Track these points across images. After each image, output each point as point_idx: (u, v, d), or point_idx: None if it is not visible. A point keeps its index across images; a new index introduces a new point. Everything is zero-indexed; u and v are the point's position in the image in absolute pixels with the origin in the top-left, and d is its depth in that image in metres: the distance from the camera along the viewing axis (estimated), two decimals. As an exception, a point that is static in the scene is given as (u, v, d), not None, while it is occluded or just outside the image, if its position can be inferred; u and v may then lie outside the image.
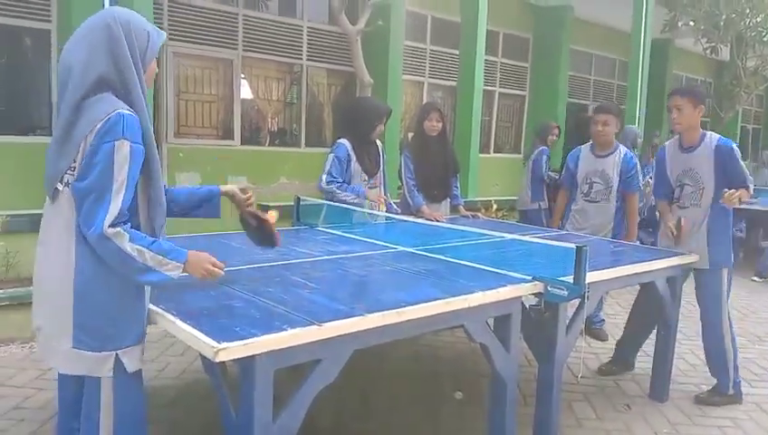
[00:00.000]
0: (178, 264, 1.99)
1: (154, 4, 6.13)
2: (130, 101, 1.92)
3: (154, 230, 2.03)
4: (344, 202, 4.18)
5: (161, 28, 6.90)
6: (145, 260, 1.90)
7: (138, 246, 1.89)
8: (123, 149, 1.84)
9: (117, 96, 1.91)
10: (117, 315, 1.95)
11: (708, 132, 3.82)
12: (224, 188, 2.53)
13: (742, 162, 3.76)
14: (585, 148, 4.80)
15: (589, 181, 4.69)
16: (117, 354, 1.96)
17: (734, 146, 3.76)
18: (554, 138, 7.22)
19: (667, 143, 4.05)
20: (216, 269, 2.12)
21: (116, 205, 1.84)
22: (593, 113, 4.78)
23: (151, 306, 2.09)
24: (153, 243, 1.94)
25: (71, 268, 1.90)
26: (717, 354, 3.84)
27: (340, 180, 4.24)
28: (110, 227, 1.83)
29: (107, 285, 1.92)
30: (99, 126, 1.83)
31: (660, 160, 4.02)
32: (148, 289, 2.07)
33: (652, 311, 3.89)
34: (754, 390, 4.05)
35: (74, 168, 1.89)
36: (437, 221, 4.48)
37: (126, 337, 1.98)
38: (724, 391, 3.85)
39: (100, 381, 1.97)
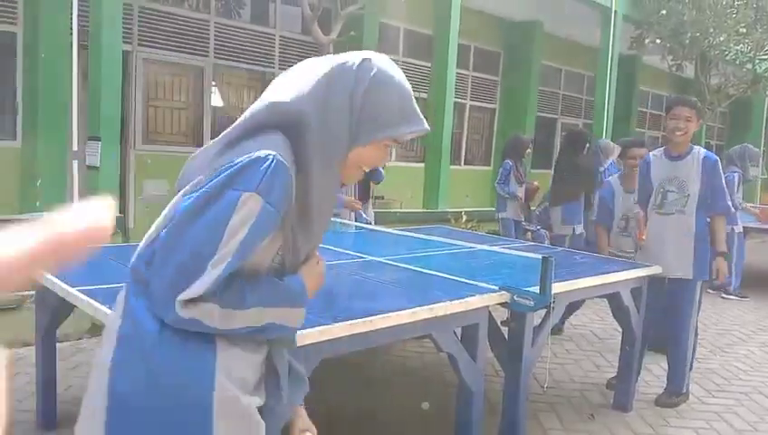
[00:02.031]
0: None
1: (124, 9, 6.07)
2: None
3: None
4: None
5: (131, 34, 6.86)
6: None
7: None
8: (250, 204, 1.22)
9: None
10: None
11: (696, 146, 3.96)
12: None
13: (723, 181, 3.90)
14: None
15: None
16: None
17: (719, 161, 3.92)
18: (530, 151, 7.30)
19: (654, 151, 4.15)
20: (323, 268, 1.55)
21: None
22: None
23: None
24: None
25: None
26: (679, 360, 3.93)
27: None
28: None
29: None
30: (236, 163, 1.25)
31: (645, 167, 4.11)
32: None
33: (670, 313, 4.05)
34: (716, 400, 4.13)
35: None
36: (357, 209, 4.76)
37: None
38: (679, 391, 3.96)
39: None
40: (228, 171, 1.22)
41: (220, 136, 1.35)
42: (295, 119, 1.30)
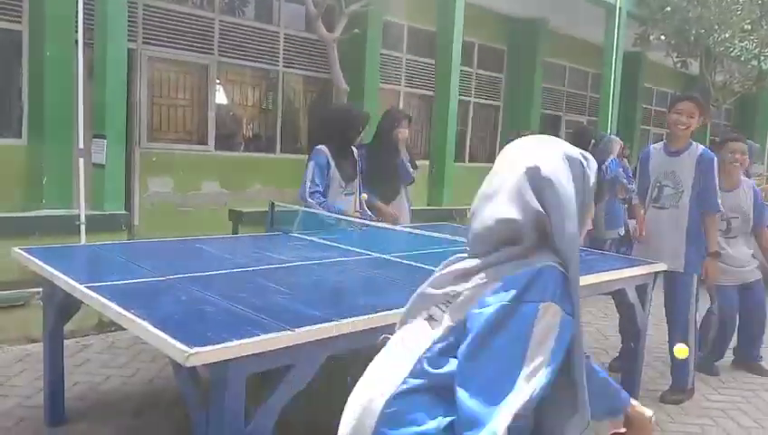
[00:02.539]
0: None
1: (129, 7, 6.08)
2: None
3: None
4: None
5: (135, 32, 6.88)
6: None
7: None
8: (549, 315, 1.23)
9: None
10: None
11: (695, 143, 3.98)
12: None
13: (716, 181, 3.90)
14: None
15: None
16: None
17: (715, 159, 3.92)
18: None
19: (655, 144, 4.18)
20: None
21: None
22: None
23: (121, 311, 2.06)
24: None
25: None
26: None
27: (321, 188, 4.24)
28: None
29: None
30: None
31: (645, 159, 4.16)
32: None
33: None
34: (721, 396, 4.13)
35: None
36: (392, 216, 4.76)
37: None
38: (684, 386, 3.98)
39: None
40: (518, 286, 1.23)
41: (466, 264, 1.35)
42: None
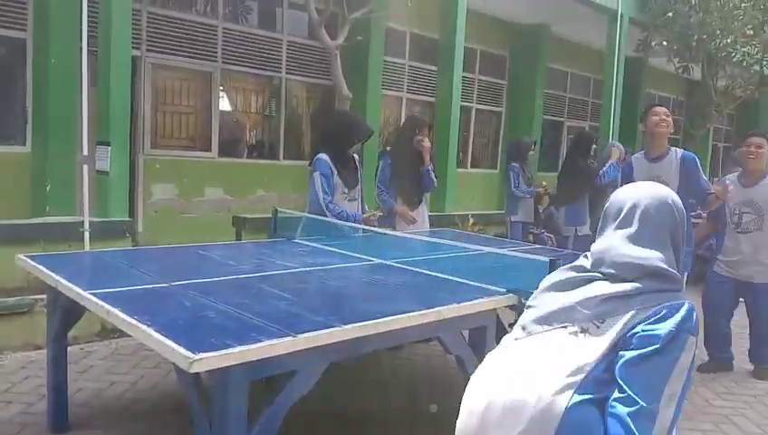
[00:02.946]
0: None
1: (133, 15, 6.11)
2: None
3: None
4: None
5: (139, 39, 6.91)
6: None
7: None
8: (691, 346, 1.51)
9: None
10: None
11: (673, 147, 4.14)
12: None
13: (702, 174, 4.17)
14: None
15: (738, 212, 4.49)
16: None
17: (696, 158, 4.17)
18: (532, 153, 7.32)
19: (636, 154, 4.36)
20: None
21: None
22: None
23: (125, 317, 2.08)
24: None
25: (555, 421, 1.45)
26: None
27: (331, 197, 4.26)
28: None
29: None
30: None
31: (629, 169, 4.36)
32: None
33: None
34: (724, 402, 4.12)
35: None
36: (413, 222, 4.84)
37: None
38: None
39: None
40: (680, 316, 1.49)
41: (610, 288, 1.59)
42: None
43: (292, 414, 2.04)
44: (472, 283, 2.88)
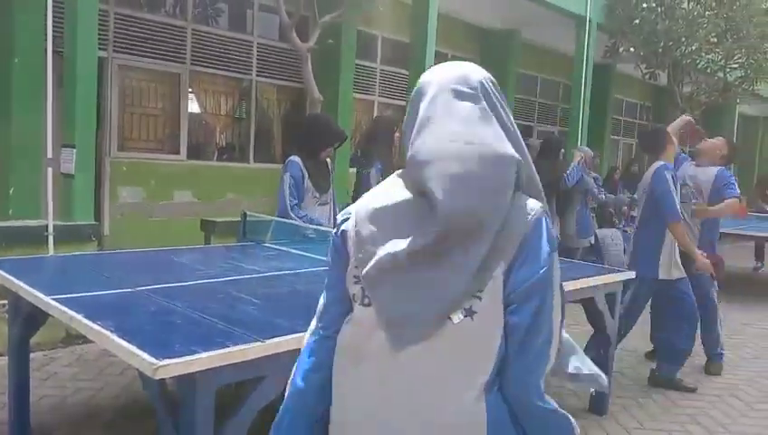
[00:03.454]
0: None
1: (100, 15, 6.02)
2: None
3: None
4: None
5: (106, 41, 6.81)
6: None
7: None
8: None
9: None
10: None
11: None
12: None
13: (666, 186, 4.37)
14: None
15: None
16: None
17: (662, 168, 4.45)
18: None
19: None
20: None
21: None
22: None
23: (89, 323, 2.04)
24: None
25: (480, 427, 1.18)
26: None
27: (297, 201, 4.23)
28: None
29: None
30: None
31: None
32: None
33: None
34: (689, 402, 4.20)
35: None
36: None
37: None
38: None
39: None
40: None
41: None
42: None
43: (262, 421, 2.02)
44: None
